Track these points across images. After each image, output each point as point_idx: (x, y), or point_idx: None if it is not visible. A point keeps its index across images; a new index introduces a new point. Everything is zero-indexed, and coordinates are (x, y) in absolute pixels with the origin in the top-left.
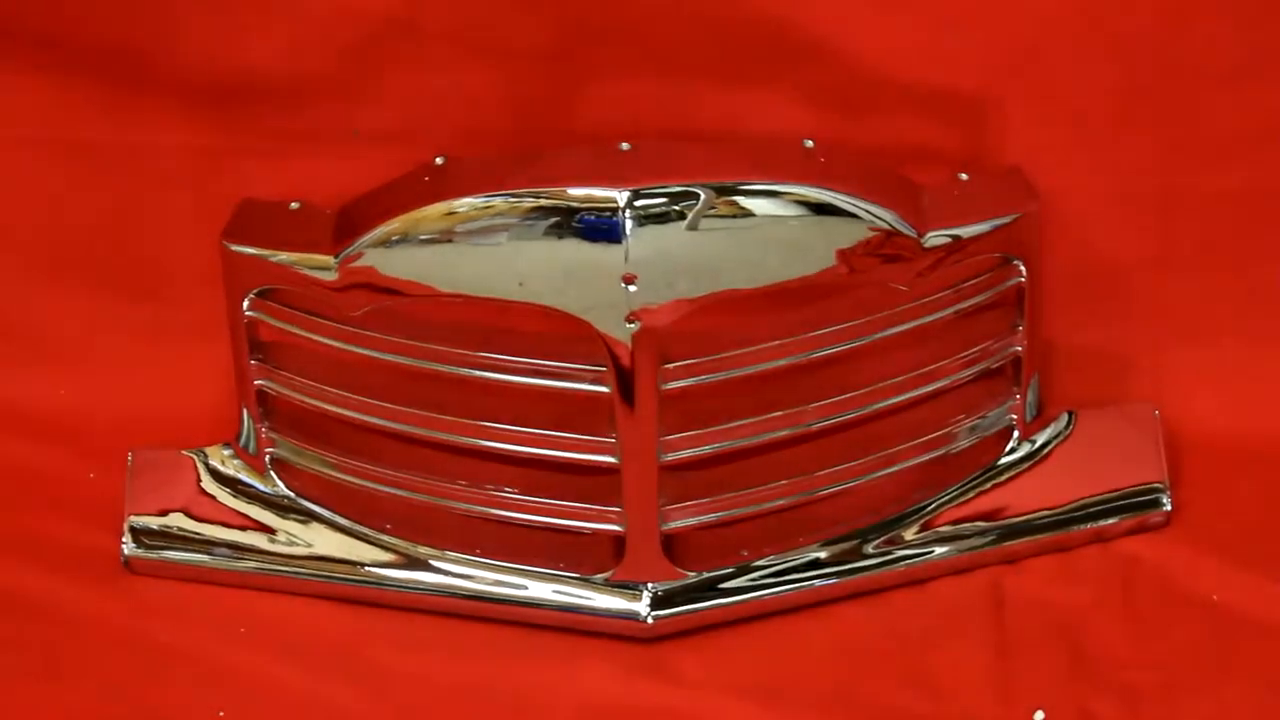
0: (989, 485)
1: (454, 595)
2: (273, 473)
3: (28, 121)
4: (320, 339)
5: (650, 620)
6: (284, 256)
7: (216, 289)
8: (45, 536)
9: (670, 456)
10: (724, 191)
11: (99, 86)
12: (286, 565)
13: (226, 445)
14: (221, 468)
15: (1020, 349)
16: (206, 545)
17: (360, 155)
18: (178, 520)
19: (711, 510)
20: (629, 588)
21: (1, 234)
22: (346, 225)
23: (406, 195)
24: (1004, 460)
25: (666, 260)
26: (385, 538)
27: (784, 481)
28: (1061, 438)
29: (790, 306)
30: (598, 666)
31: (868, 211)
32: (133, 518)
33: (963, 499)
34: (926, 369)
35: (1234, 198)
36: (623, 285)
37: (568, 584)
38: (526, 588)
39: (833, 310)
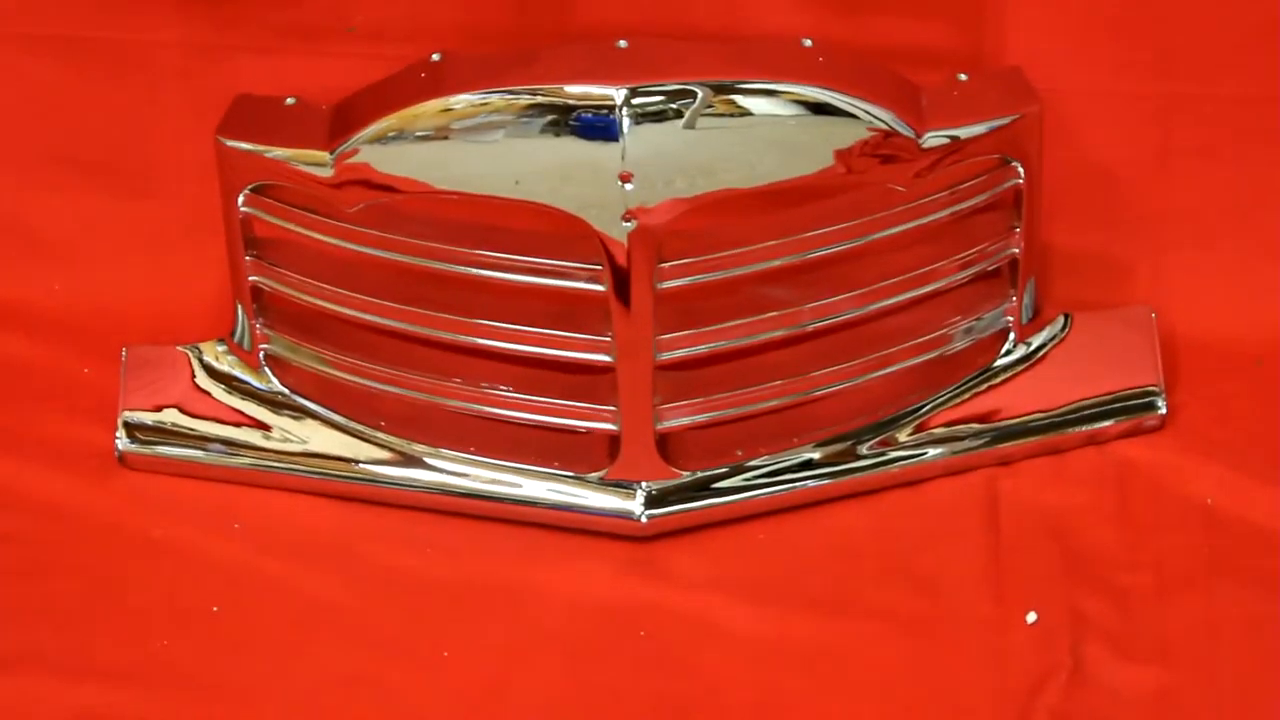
0: (984, 387)
1: (448, 493)
2: (267, 369)
3: (19, 18)
4: (315, 235)
5: (644, 519)
6: (279, 152)
7: (211, 185)
8: (39, 431)
9: (665, 356)
10: (722, 90)
11: None
12: (281, 462)
13: (221, 341)
14: (216, 364)
15: (1017, 251)
16: (201, 441)
17: (356, 52)
18: (172, 416)
19: (706, 410)
20: (623, 486)
21: None
22: (342, 121)
23: (403, 91)
24: (999, 362)
25: (663, 159)
26: (380, 435)
27: (779, 382)
28: (1057, 340)
29: (787, 206)
30: (592, 565)
31: (866, 111)
32: (127, 413)
33: (958, 401)
34: (923, 270)
35: (1233, 101)
36: (619, 184)
37: (562, 482)
38: (521, 486)
39: (830, 211)
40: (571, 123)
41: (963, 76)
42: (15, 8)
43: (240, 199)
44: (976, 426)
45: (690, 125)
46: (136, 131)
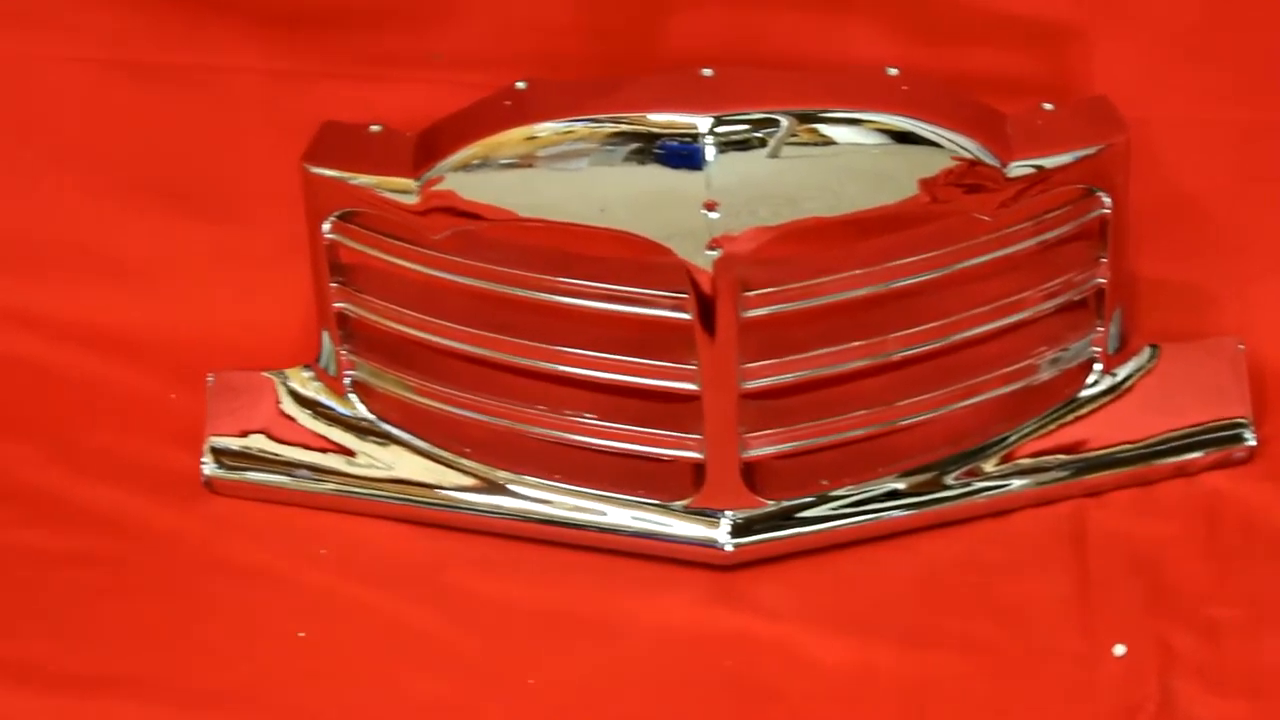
0: (1071, 418)
1: (533, 520)
2: (352, 395)
3: (109, 45)
4: (400, 262)
5: (729, 548)
6: (364, 179)
7: (297, 211)
8: (127, 456)
9: (750, 384)
10: (806, 119)
11: (180, 10)
12: (366, 487)
13: (307, 368)
14: (302, 390)
15: (1104, 281)
16: (286, 466)
17: (441, 79)
18: (258, 441)
19: (791, 439)
20: (708, 515)
21: (84, 157)
22: (427, 149)
23: (488, 119)
24: (1086, 393)
25: (748, 187)
26: (465, 461)
27: (864, 411)
28: (1144, 371)
29: (872, 235)
30: (676, 593)
31: (951, 140)
32: (213, 438)
33: (1044, 431)
34: (1008, 300)
35: None
36: (704, 212)
37: (647, 510)
38: (605, 513)
39: (914, 240)
40: (656, 151)
41: (1048, 106)
42: (103, 35)
43: (326, 226)
44: (1063, 457)
45: (775, 154)
46: (223, 158)
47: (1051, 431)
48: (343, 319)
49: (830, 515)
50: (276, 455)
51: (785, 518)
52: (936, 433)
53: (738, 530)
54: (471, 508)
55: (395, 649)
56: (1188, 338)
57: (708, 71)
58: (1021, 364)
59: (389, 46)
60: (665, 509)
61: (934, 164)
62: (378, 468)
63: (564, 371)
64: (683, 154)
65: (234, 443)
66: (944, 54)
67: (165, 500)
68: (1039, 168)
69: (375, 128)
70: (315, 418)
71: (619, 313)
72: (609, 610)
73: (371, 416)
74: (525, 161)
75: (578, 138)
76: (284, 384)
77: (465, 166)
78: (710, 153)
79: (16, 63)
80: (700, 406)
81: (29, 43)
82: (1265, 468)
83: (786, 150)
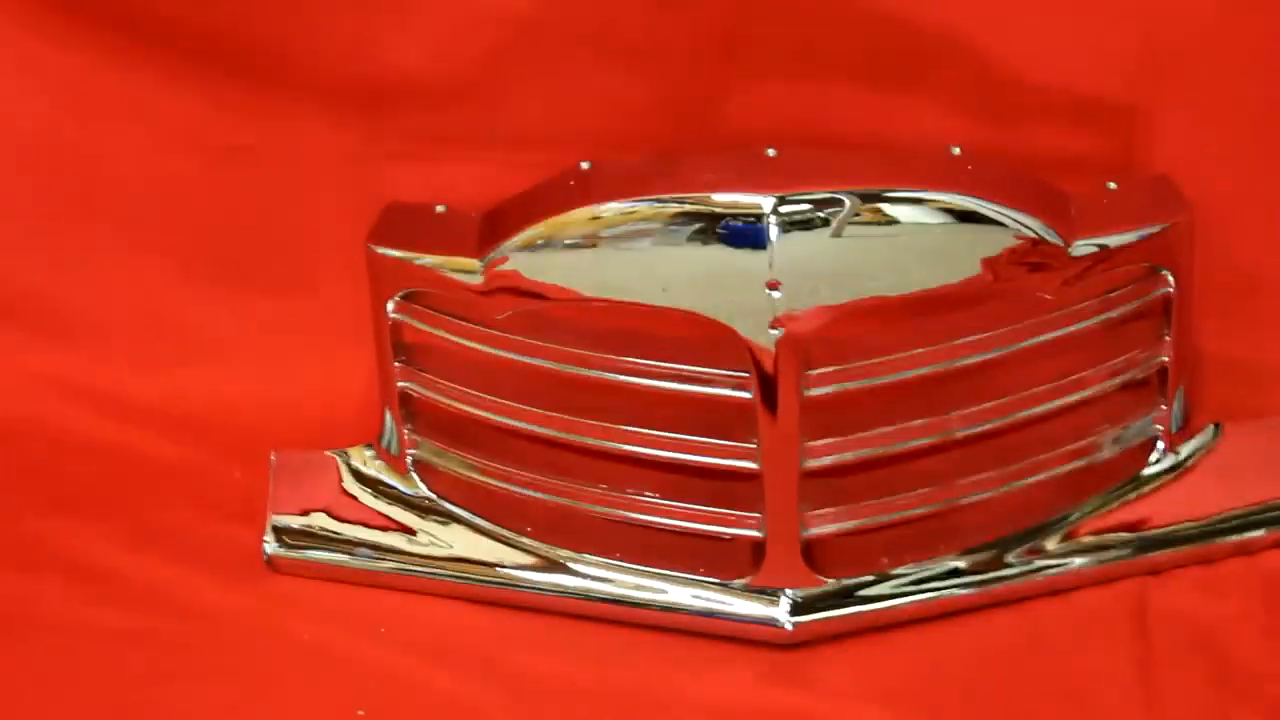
0: (1133, 496)
1: (593, 598)
2: (414, 474)
3: (177, 126)
4: (464, 342)
5: (790, 626)
6: (429, 260)
7: (361, 291)
8: (189, 533)
9: (812, 463)
10: (869, 198)
11: (245, 91)
12: (427, 566)
13: (369, 446)
14: (364, 468)
15: (1167, 359)
16: (348, 545)
17: (505, 159)
18: (320, 520)
19: (852, 517)
20: (768, 593)
21: (151, 235)
22: (491, 229)
23: (551, 199)
24: (1148, 471)
25: (811, 267)
26: (525, 540)
27: (925, 489)
28: (1206, 449)
29: (935, 314)
30: (737, 672)
31: (1014, 219)
32: (275, 516)
33: (1106, 509)
34: (1071, 378)
35: None
36: (767, 291)
37: (706, 589)
38: (665, 592)
39: (977, 318)
40: (719, 231)
41: (1112, 184)
42: (172, 116)
43: (390, 305)
44: (1125, 535)
45: (838, 234)
46: (289, 237)
47: (1113, 510)
48: (405, 398)
49: (891, 594)
50: (338, 534)
51: (845, 596)
52: (998, 511)
53: (797, 609)
54: (532, 586)
55: None
56: (1251, 416)
57: (771, 151)
58: (1083, 442)
59: (454, 126)
60: (725, 587)
61: (997, 243)
62: (438, 546)
63: (625, 450)
64: (746, 234)
65: (296, 521)
66: (1007, 133)
67: (228, 579)
68: (1102, 246)
69: (440, 208)
70: (377, 496)
71: (681, 392)
72: (669, 689)
73: (433, 495)
74: (589, 241)
75: (641, 218)
76: (346, 463)
77: (529, 247)
78: (773, 232)
79: (95, 151)
80: (761, 485)
81: (107, 133)
82: None
83: (849, 230)
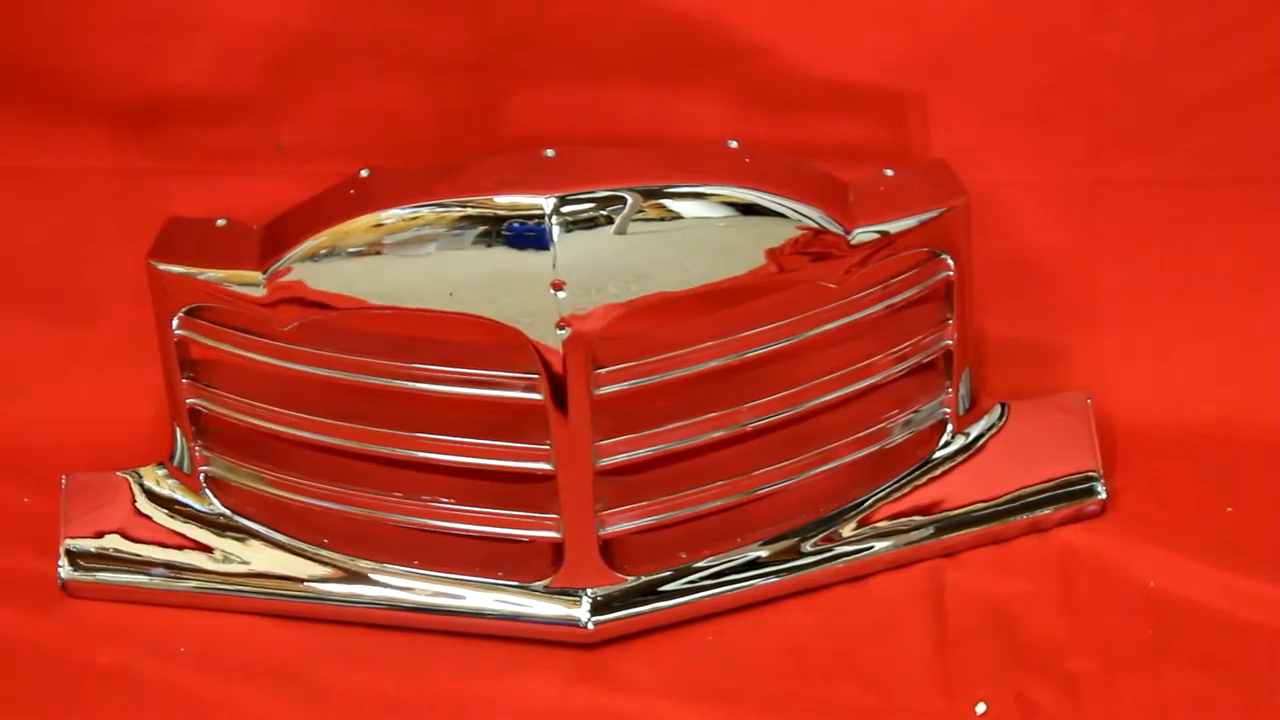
0: (925, 479)
1: (394, 608)
2: (208, 491)
3: None
4: (251, 355)
5: (591, 626)
6: (211, 274)
7: (146, 309)
8: None
9: (605, 461)
10: (650, 195)
11: (21, 111)
12: (225, 583)
13: (160, 465)
14: (156, 488)
15: (951, 343)
16: (144, 566)
17: (286, 171)
18: (114, 542)
19: (649, 514)
20: (568, 594)
21: None
22: (273, 240)
23: (333, 208)
24: (939, 454)
25: (595, 265)
26: (323, 552)
27: (721, 482)
28: (995, 429)
29: (721, 307)
30: (540, 674)
31: (795, 210)
32: (69, 540)
33: (899, 494)
34: (859, 365)
35: (1159, 185)
36: (552, 292)
37: (507, 592)
38: (466, 598)
39: (764, 309)
40: (503, 233)
41: (889, 171)
42: None
43: (175, 321)
44: (919, 519)
45: (621, 231)
46: (69, 258)
47: (907, 494)
48: (195, 414)
49: (691, 588)
50: (134, 555)
51: (646, 593)
52: (794, 500)
53: (598, 608)
54: (332, 598)
55: None
56: (1036, 394)
57: (550, 152)
58: (874, 428)
59: (234, 140)
60: (526, 590)
61: (779, 234)
62: (236, 563)
63: (419, 457)
64: (529, 235)
65: (90, 544)
66: (784, 124)
67: (23, 606)
68: (882, 233)
69: (221, 221)
70: (171, 515)
71: (473, 396)
72: (475, 695)
73: (227, 511)
74: (373, 249)
75: (424, 223)
76: (139, 483)
77: (312, 256)
78: (556, 232)
79: None
80: (556, 486)
81: None
82: (1117, 520)
83: (632, 227)
